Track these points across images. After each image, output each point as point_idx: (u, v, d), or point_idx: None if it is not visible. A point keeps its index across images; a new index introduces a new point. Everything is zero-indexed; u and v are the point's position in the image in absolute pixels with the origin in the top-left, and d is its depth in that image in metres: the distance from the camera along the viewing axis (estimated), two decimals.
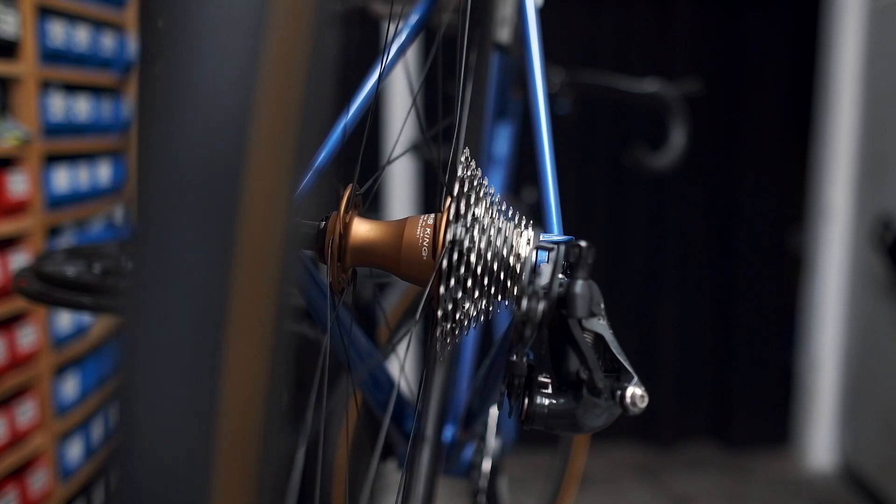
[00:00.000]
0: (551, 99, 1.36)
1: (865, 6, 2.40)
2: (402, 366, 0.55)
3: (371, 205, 0.51)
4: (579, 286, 0.38)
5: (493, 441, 0.82)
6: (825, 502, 2.35)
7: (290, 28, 0.24)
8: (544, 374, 0.41)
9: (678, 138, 1.41)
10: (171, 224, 0.22)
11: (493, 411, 0.79)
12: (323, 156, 0.48)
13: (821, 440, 2.58)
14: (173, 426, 0.21)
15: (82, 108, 1.76)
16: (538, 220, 0.52)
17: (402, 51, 0.60)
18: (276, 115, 0.23)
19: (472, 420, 0.72)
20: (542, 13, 0.67)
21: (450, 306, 0.41)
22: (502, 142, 1.07)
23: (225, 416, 0.21)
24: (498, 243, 0.42)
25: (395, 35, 0.59)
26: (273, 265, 0.23)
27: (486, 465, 0.81)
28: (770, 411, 2.71)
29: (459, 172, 0.43)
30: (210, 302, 0.21)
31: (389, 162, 0.57)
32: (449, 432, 0.75)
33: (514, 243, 0.43)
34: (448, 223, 0.42)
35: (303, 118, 0.24)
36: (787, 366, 2.72)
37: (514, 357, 0.39)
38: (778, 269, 2.69)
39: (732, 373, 2.70)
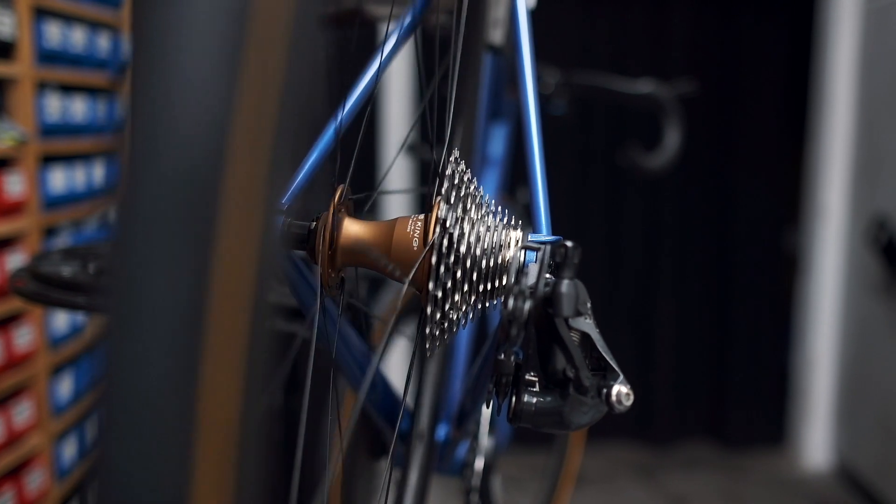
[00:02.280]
0: (547, 100, 1.36)
1: (861, 7, 2.41)
2: (378, 357, 0.56)
3: (364, 204, 0.51)
4: (565, 286, 0.39)
5: (485, 440, 0.83)
6: (821, 501, 2.35)
7: (271, 29, 0.24)
8: (531, 373, 0.41)
9: (673, 139, 1.42)
10: (150, 224, 0.22)
11: (486, 410, 0.80)
12: (314, 156, 0.49)
13: (816, 439, 2.59)
14: (152, 427, 0.21)
15: (78, 108, 1.76)
16: (532, 219, 0.52)
17: (395, 52, 0.60)
18: (256, 116, 0.24)
19: (465, 418, 0.72)
20: (538, 13, 0.68)
21: (439, 305, 0.42)
22: (497, 142, 1.07)
23: (203, 418, 0.22)
24: (486, 243, 0.43)
25: (389, 36, 0.59)
26: (252, 265, 0.23)
27: (479, 463, 0.81)
28: (766, 411, 2.72)
29: (448, 173, 0.44)
30: (189, 302, 0.22)
31: (384, 180, 0.57)
32: (442, 431, 0.75)
33: (503, 243, 0.43)
34: (436, 224, 0.42)
35: (282, 120, 0.25)
36: (783, 365, 2.73)
37: (502, 356, 0.39)
38: (774, 268, 2.70)
39: (728, 372, 2.70)
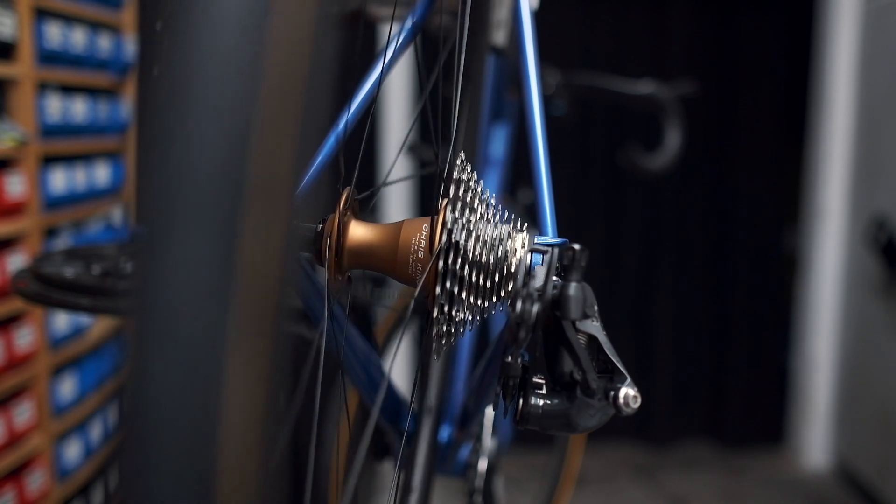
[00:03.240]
0: (547, 100, 1.37)
1: (860, 7, 2.41)
2: (392, 363, 0.56)
3: (368, 206, 0.51)
4: (573, 288, 0.39)
5: (489, 441, 0.83)
6: (820, 501, 2.36)
7: (290, 32, 0.24)
8: (539, 375, 0.41)
9: (673, 140, 1.42)
10: (172, 227, 0.22)
11: (489, 411, 0.80)
12: (321, 158, 0.49)
13: (815, 439, 2.59)
14: (176, 427, 0.22)
15: (79, 109, 1.76)
16: (534, 220, 0.52)
17: (399, 53, 0.60)
18: (276, 118, 0.24)
19: (469, 420, 0.73)
20: (538, 15, 0.68)
21: (445, 308, 0.42)
22: (498, 143, 1.08)
23: (227, 419, 0.22)
24: (493, 246, 0.43)
25: (393, 38, 0.59)
26: (274, 267, 0.23)
27: (482, 464, 0.81)
28: (765, 411, 2.72)
29: (455, 175, 0.44)
30: (213, 303, 0.22)
31: (386, 184, 0.57)
32: (445, 432, 0.75)
33: (509, 246, 0.43)
34: (443, 226, 0.42)
35: (303, 121, 0.25)
36: (782, 365, 2.73)
37: (509, 358, 0.39)
38: (773, 269, 2.70)
39: (728, 372, 2.71)
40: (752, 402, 2.70)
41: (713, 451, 2.70)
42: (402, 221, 0.46)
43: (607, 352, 0.40)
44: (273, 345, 0.23)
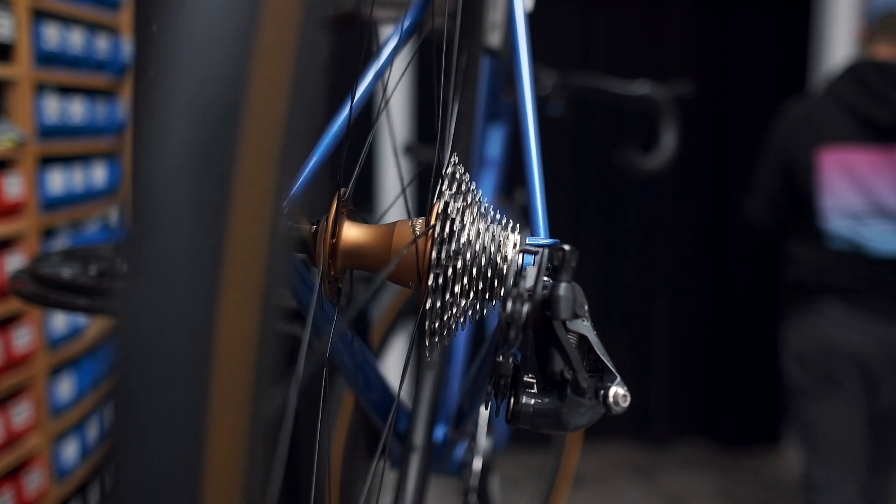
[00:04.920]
0: (544, 101, 1.37)
1: (857, 8, 2.41)
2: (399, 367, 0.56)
3: (364, 207, 0.52)
4: (563, 288, 0.39)
5: (483, 440, 0.83)
6: None
7: (279, 33, 0.25)
8: (530, 375, 0.42)
9: (669, 140, 1.43)
10: (161, 227, 0.23)
11: (484, 411, 0.80)
12: (314, 160, 0.49)
13: None
14: (164, 426, 0.22)
15: (77, 110, 1.76)
16: (529, 221, 0.53)
17: (394, 54, 0.61)
18: (264, 119, 0.24)
19: (463, 419, 0.73)
20: (535, 15, 0.68)
21: (438, 308, 0.42)
22: (495, 144, 1.08)
23: (214, 418, 0.22)
24: (485, 246, 0.43)
25: (388, 39, 0.60)
26: (261, 267, 0.24)
27: (477, 464, 0.82)
28: (763, 411, 2.73)
29: (447, 175, 0.44)
30: (199, 302, 0.22)
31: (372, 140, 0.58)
32: (440, 431, 0.75)
33: (501, 246, 0.43)
34: (435, 227, 0.43)
35: (291, 123, 0.25)
36: (779, 365, 2.73)
37: (500, 358, 0.40)
38: (770, 268, 2.70)
39: (725, 372, 2.71)
40: (749, 403, 2.71)
41: (711, 451, 2.70)
42: (396, 222, 0.46)
43: (597, 351, 0.40)
44: (261, 345, 0.24)
